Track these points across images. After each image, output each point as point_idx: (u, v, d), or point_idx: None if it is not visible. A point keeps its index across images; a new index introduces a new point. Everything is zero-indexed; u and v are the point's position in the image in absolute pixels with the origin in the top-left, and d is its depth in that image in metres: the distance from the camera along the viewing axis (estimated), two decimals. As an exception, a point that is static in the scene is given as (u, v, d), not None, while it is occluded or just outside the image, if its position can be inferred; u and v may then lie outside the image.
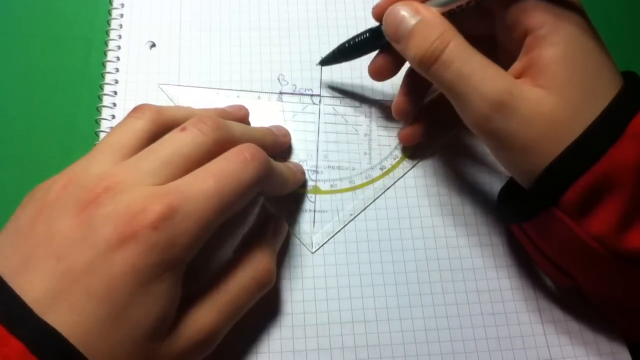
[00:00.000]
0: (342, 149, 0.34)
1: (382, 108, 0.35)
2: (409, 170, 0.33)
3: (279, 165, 0.28)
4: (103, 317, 0.20)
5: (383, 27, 0.28)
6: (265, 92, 0.35)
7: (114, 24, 0.36)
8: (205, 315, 0.24)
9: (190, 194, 0.22)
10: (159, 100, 0.34)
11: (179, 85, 0.35)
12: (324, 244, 0.31)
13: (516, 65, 0.25)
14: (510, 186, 0.27)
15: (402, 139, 0.33)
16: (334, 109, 0.35)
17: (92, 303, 0.20)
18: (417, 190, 0.33)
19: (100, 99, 0.34)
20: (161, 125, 0.25)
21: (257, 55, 0.36)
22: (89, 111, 0.34)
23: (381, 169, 0.33)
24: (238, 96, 0.35)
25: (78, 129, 0.34)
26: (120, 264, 0.20)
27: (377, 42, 0.30)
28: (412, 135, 0.33)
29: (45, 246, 0.21)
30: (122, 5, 0.37)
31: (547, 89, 0.23)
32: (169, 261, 0.21)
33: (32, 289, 0.20)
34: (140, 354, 0.21)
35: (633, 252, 0.23)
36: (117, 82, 0.34)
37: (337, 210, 0.32)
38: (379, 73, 0.31)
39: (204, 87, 0.35)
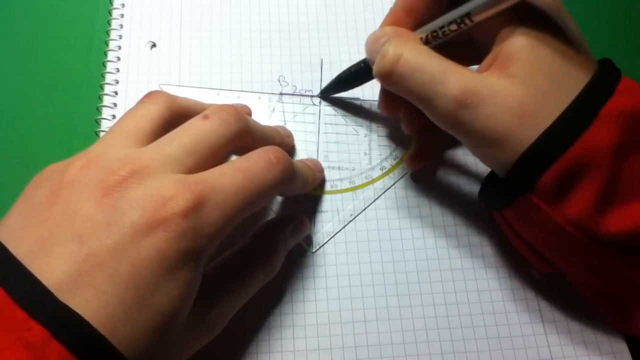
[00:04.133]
0: (342, 150, 0.34)
1: None
2: (409, 170, 0.33)
3: (299, 166, 0.28)
4: (127, 303, 0.19)
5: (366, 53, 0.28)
6: (266, 93, 0.35)
7: (114, 24, 0.36)
8: (217, 299, 0.24)
9: (219, 187, 0.22)
10: (160, 100, 0.34)
11: (179, 86, 0.35)
12: (324, 244, 0.31)
13: (488, 57, 0.25)
14: (493, 175, 0.27)
15: (409, 165, 0.33)
16: (334, 110, 0.35)
17: (117, 288, 0.19)
18: (417, 190, 0.33)
19: (100, 99, 0.34)
20: (175, 112, 0.25)
21: (257, 56, 0.36)
22: (89, 111, 0.34)
23: (381, 169, 0.33)
24: (238, 97, 0.35)
25: (78, 129, 0.34)
26: (147, 249, 0.20)
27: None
28: (418, 161, 0.33)
29: (65, 228, 0.20)
30: (123, 5, 0.37)
31: (515, 78, 0.23)
32: (195, 251, 0.21)
33: (52, 272, 0.19)
34: (161, 339, 0.20)
35: (609, 235, 0.23)
36: (117, 82, 0.34)
37: (338, 211, 0.32)
38: (387, 109, 0.31)
39: (205, 87, 0.35)
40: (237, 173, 0.23)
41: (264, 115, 0.34)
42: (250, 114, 0.32)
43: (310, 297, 0.30)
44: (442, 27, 0.26)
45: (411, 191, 0.33)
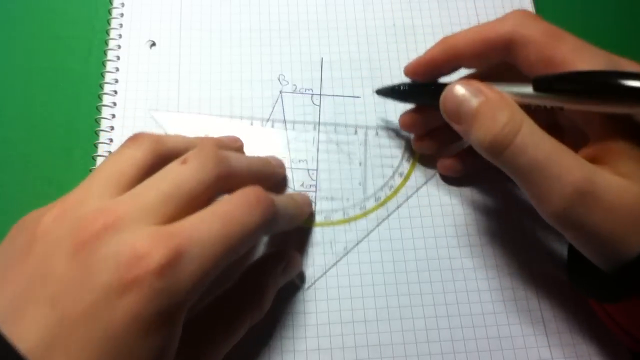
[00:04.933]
0: (335, 179, 0.33)
1: (378, 136, 0.34)
2: (405, 200, 0.32)
3: (284, 202, 0.26)
4: None
5: (441, 107, 0.26)
6: (257, 119, 0.34)
7: (114, 23, 0.36)
8: (204, 345, 0.23)
9: (196, 238, 0.21)
10: (159, 98, 0.34)
11: (168, 111, 0.34)
12: (317, 279, 0.30)
13: (588, 150, 0.24)
14: (575, 253, 0.25)
15: (442, 170, 0.33)
16: (328, 137, 0.34)
17: (92, 353, 0.18)
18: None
19: (100, 98, 0.34)
20: (160, 156, 0.24)
21: (257, 55, 0.36)
22: (89, 111, 0.34)
23: (376, 200, 0.32)
24: (230, 122, 0.34)
25: (78, 129, 0.34)
26: (121, 311, 0.19)
27: (437, 101, 0.27)
28: (453, 168, 0.32)
29: (38, 288, 0.19)
30: (122, 4, 0.37)
31: (629, 178, 0.22)
32: (172, 308, 0.20)
33: (26, 337, 0.18)
34: None
35: None
36: (117, 81, 0.34)
37: (331, 244, 0.31)
38: (410, 126, 0.31)
39: (194, 113, 0.34)
40: (216, 220, 0.22)
41: (256, 142, 0.33)
42: (242, 147, 0.31)
43: (310, 297, 0.30)
44: (528, 103, 0.24)
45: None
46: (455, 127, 0.26)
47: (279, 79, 0.35)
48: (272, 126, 0.34)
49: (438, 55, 0.28)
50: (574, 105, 0.23)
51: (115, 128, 0.33)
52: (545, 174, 0.22)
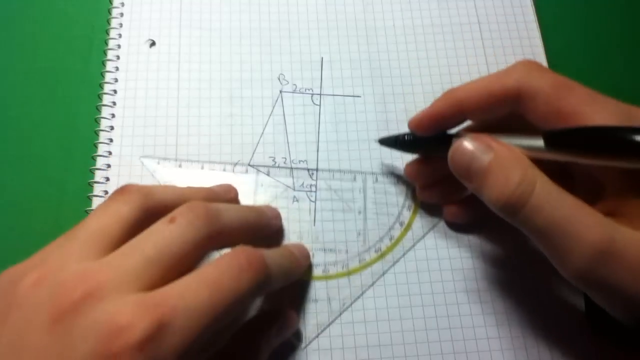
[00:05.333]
0: (335, 228, 0.31)
1: (377, 182, 0.33)
2: (409, 250, 0.31)
3: (279, 258, 0.25)
4: None
5: (449, 163, 0.25)
6: (253, 166, 0.33)
7: (114, 23, 0.36)
8: None
9: (181, 307, 0.20)
10: (159, 98, 0.34)
11: (163, 159, 0.33)
12: (315, 337, 0.29)
13: (605, 204, 0.23)
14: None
15: (449, 217, 0.31)
16: (327, 184, 0.33)
17: None
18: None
19: (100, 98, 0.34)
20: (148, 211, 0.23)
21: (257, 54, 0.36)
22: (89, 111, 0.34)
23: (376, 251, 0.31)
24: (224, 169, 0.33)
25: (78, 129, 0.34)
26: None
27: (443, 152, 0.26)
28: (460, 215, 0.31)
29: None
30: (122, 4, 0.37)
31: None
32: None
33: None
34: None
35: None
36: (116, 81, 0.34)
37: (329, 300, 0.30)
38: (416, 176, 0.31)
39: (189, 160, 0.33)
40: (203, 287, 0.20)
41: (251, 190, 0.32)
42: (237, 196, 0.31)
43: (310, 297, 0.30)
44: (540, 157, 0.23)
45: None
46: (466, 184, 0.25)
47: (279, 79, 0.35)
48: (268, 173, 0.33)
49: (443, 109, 0.27)
50: (587, 160, 0.22)
51: (114, 128, 0.33)
52: (564, 234, 0.21)
